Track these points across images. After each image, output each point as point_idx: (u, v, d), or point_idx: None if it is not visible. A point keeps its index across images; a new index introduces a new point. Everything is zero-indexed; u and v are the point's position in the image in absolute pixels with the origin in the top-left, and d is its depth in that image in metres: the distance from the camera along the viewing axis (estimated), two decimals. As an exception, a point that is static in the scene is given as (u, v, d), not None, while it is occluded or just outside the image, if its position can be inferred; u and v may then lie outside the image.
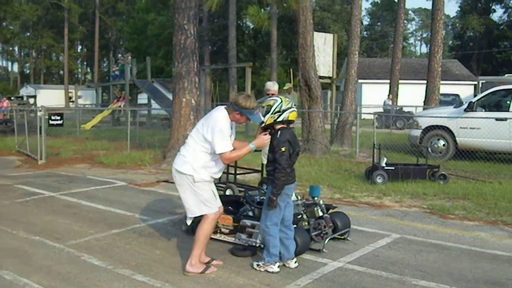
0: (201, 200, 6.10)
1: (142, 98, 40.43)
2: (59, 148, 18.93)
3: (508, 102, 15.41)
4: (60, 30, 76.36)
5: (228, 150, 5.93)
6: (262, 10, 35.61)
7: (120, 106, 33.91)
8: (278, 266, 6.20)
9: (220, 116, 6.02)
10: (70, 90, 62.42)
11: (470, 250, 7.22)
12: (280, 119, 6.16)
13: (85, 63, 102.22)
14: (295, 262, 6.35)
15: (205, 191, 6.13)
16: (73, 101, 54.41)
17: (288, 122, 6.24)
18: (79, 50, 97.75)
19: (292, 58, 59.74)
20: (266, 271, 6.17)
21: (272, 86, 9.90)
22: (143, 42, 58.63)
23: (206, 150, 6.01)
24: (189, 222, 6.39)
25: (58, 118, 17.55)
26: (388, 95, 33.36)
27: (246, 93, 6.76)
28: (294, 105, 6.36)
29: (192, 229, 7.56)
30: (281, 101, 6.20)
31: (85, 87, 64.23)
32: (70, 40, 77.69)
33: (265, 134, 6.18)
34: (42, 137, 16.02)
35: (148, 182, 12.64)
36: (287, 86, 19.44)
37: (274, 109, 6.17)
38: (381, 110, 34.18)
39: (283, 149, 6.04)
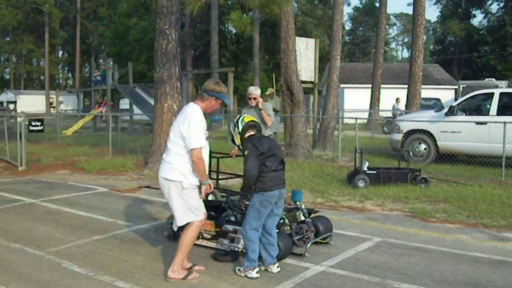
0: (189, 207, 6.11)
1: (124, 104, 40.29)
2: (39, 154, 18.80)
3: (488, 106, 15.55)
4: (41, 35, 75.80)
5: (202, 145, 5.97)
6: (244, 15, 35.63)
7: (101, 112, 33.76)
8: (257, 272, 6.20)
9: (195, 112, 6.10)
10: (51, 96, 62.06)
11: (451, 253, 7.27)
12: (240, 129, 6.43)
13: (66, 68, 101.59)
14: (277, 267, 6.35)
15: (193, 198, 6.15)
16: (54, 107, 54.16)
17: (251, 126, 6.47)
18: (60, 55, 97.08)
19: (274, 63, 59.85)
20: (246, 276, 6.17)
21: (254, 90, 9.88)
22: (124, 47, 58.49)
23: (188, 151, 6.02)
24: (175, 227, 6.36)
25: (39, 124, 17.46)
26: (397, 100, 33.22)
27: (213, 79, 6.98)
28: (244, 113, 6.64)
29: (174, 235, 7.56)
30: (232, 124, 6.59)
31: (66, 93, 63.86)
32: (51, 45, 77.16)
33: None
34: (22, 143, 15.92)
35: (130, 188, 12.60)
36: (269, 91, 19.54)
37: (233, 129, 6.52)
38: (363, 114, 34.28)
39: (245, 152, 6.17)
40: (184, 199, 6.08)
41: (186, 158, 6.03)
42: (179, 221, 6.17)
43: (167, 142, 6.25)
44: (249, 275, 6.18)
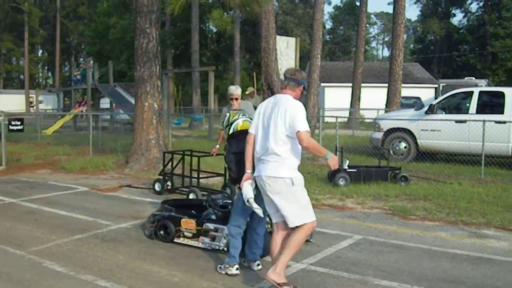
0: (301, 206, 5.64)
1: (105, 103, 40.05)
2: (20, 154, 18.68)
3: (468, 104, 15.67)
4: (20, 33, 75.10)
5: (307, 129, 5.56)
6: (225, 13, 35.66)
7: (82, 111, 33.58)
8: (237, 269, 6.24)
9: (298, 103, 5.71)
10: (31, 95, 61.39)
11: (431, 250, 7.33)
12: (231, 131, 6.47)
13: (46, 67, 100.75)
14: (258, 265, 6.38)
15: (304, 195, 5.70)
16: (34, 106, 53.75)
17: (241, 132, 6.42)
18: (40, 54, 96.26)
19: (255, 61, 59.89)
20: (227, 273, 6.20)
21: (235, 90, 9.90)
22: (105, 46, 58.15)
23: (291, 144, 5.64)
24: (292, 225, 5.67)
25: (19, 123, 17.31)
26: None
27: (292, 68, 6.58)
28: (244, 115, 6.61)
29: (155, 233, 7.57)
30: (229, 115, 6.56)
31: (46, 92, 63.23)
32: (30, 44, 76.53)
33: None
34: (2, 143, 15.80)
35: (111, 187, 12.56)
36: (249, 90, 19.56)
37: (225, 123, 6.60)
38: (344, 113, 34.38)
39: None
40: (296, 196, 5.60)
41: (291, 153, 5.65)
42: (290, 222, 5.62)
43: (264, 144, 5.74)
44: (229, 272, 6.21)
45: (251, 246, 6.42)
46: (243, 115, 6.52)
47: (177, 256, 6.87)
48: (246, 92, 19.02)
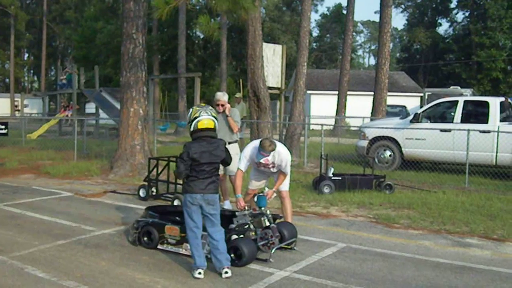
0: None
1: (90, 108, 39.93)
2: (3, 158, 18.54)
3: (452, 113, 15.74)
4: (6, 37, 74.70)
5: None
6: (212, 20, 35.68)
7: (67, 116, 33.41)
8: (199, 273, 6.34)
9: None
10: (16, 99, 61.17)
11: (414, 258, 7.36)
12: (192, 128, 6.51)
13: (31, 71, 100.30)
14: (226, 273, 6.35)
15: None
16: (19, 110, 53.50)
17: (202, 130, 6.49)
18: (25, 58, 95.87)
19: (241, 68, 59.91)
20: (193, 276, 6.35)
21: (221, 96, 9.91)
22: (91, 51, 58.00)
23: None
24: None
25: (3, 127, 17.23)
26: None
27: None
28: (208, 112, 6.54)
29: (138, 239, 7.53)
30: (191, 111, 6.57)
31: (32, 96, 63.04)
32: (16, 47, 76.10)
33: None
34: (-14, 146, 15.69)
35: (95, 192, 12.49)
36: (238, 95, 19.67)
37: (188, 119, 6.59)
38: (329, 121, 34.44)
39: (182, 151, 6.42)
40: None
41: None
42: None
43: None
44: (194, 275, 6.34)
45: (214, 253, 6.49)
46: (205, 112, 6.54)
47: (160, 262, 6.84)
48: (235, 96, 19.15)
